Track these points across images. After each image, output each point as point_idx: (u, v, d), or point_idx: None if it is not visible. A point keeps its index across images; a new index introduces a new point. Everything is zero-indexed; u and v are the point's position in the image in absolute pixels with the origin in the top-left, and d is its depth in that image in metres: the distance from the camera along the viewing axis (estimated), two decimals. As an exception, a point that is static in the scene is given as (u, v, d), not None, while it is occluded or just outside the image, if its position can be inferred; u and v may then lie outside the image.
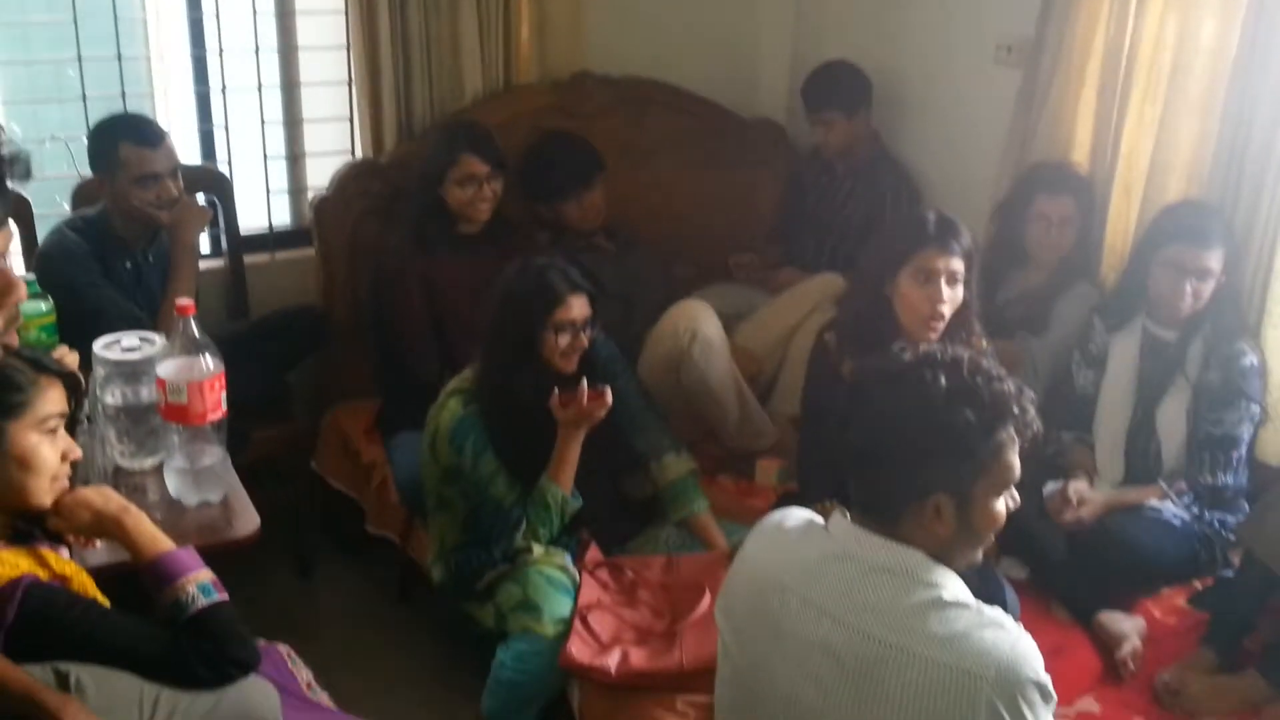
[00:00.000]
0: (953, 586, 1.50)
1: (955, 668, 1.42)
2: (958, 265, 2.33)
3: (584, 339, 2.41)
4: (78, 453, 1.77)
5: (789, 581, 1.55)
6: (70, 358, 1.98)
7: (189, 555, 1.75)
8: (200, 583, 1.70)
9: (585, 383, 2.35)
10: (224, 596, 1.72)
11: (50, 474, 1.70)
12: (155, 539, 1.74)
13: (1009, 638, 1.45)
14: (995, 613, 1.49)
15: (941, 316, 2.33)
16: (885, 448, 1.51)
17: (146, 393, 2.11)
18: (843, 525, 1.56)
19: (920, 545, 1.51)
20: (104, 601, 1.69)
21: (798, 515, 1.66)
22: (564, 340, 2.38)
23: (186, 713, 1.63)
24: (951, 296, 2.33)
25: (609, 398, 2.37)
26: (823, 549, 1.56)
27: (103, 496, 1.76)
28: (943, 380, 1.48)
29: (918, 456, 1.48)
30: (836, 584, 1.51)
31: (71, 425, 1.79)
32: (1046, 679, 1.46)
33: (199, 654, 1.65)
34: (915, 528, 1.50)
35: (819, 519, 1.65)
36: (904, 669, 1.43)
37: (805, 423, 2.64)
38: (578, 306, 2.39)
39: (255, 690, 1.75)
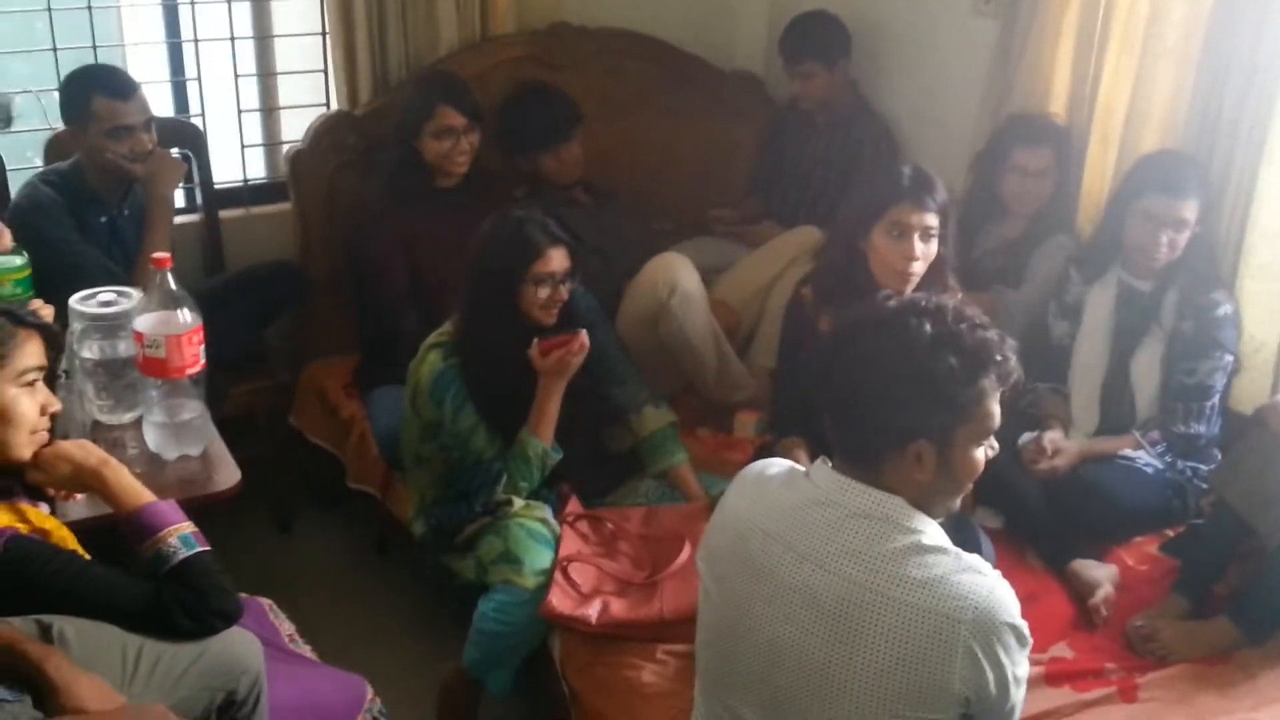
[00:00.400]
0: (932, 532, 1.52)
1: (933, 611, 1.44)
2: (932, 221, 2.34)
3: (563, 291, 2.41)
4: (57, 406, 1.77)
5: (770, 527, 1.57)
6: (45, 310, 1.97)
7: (170, 508, 1.75)
8: (182, 534, 1.70)
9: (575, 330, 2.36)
10: (206, 548, 1.73)
11: (29, 427, 1.70)
12: (136, 491, 1.74)
13: (986, 583, 1.48)
14: (973, 559, 1.51)
15: (914, 272, 2.35)
16: (868, 394, 1.52)
17: (124, 347, 2.10)
18: (824, 472, 1.57)
19: (901, 492, 1.52)
20: (85, 555, 1.70)
21: (779, 464, 1.68)
22: (544, 293, 2.38)
23: (170, 663, 1.64)
24: (925, 252, 2.35)
25: (586, 339, 2.37)
26: (804, 495, 1.57)
27: (82, 449, 1.76)
28: (927, 327, 1.49)
29: (900, 403, 1.49)
30: (818, 529, 1.53)
31: (51, 379, 1.79)
32: (1023, 624, 1.49)
33: (181, 605, 1.66)
34: (896, 475, 1.52)
35: (800, 467, 1.66)
36: (882, 612, 1.46)
37: (780, 375, 2.66)
38: (557, 259, 2.38)
39: (238, 641, 1.76)
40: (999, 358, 1.51)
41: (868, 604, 1.47)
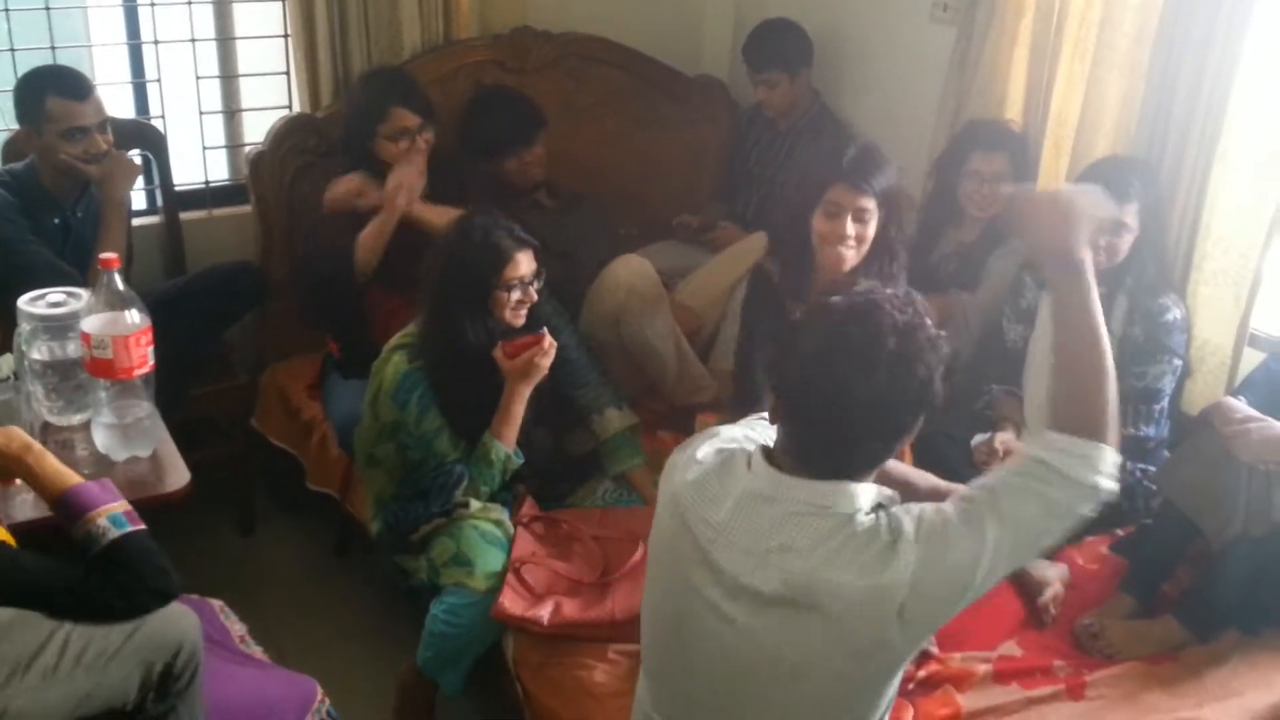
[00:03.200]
0: (867, 500, 1.53)
1: (870, 587, 1.47)
2: (866, 203, 2.35)
3: (532, 293, 2.43)
4: None
5: (710, 516, 1.57)
6: None
7: (99, 488, 1.72)
8: (111, 514, 1.67)
9: (539, 331, 2.37)
10: (138, 527, 1.69)
11: None
12: (60, 474, 1.72)
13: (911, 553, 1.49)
14: (901, 518, 1.51)
15: (846, 252, 2.37)
16: (863, 429, 1.51)
17: (73, 348, 2.09)
18: (762, 466, 1.56)
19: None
20: (10, 541, 1.68)
21: (705, 444, 1.67)
22: (515, 296, 2.40)
23: (102, 644, 1.63)
24: (859, 233, 2.36)
25: (551, 340, 2.39)
26: (745, 486, 1.56)
27: (5, 436, 1.74)
28: (894, 346, 1.48)
29: (896, 430, 1.53)
30: (759, 524, 1.54)
31: None
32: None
33: (113, 585, 1.63)
34: (870, 476, 1.56)
35: (729, 444, 1.65)
36: (821, 598, 1.48)
37: (741, 345, 2.70)
38: (525, 262, 2.40)
39: (173, 614, 1.74)
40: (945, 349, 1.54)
41: (808, 591, 1.49)
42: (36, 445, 1.75)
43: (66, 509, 1.68)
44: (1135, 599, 2.39)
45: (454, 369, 2.40)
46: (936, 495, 1.81)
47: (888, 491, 1.58)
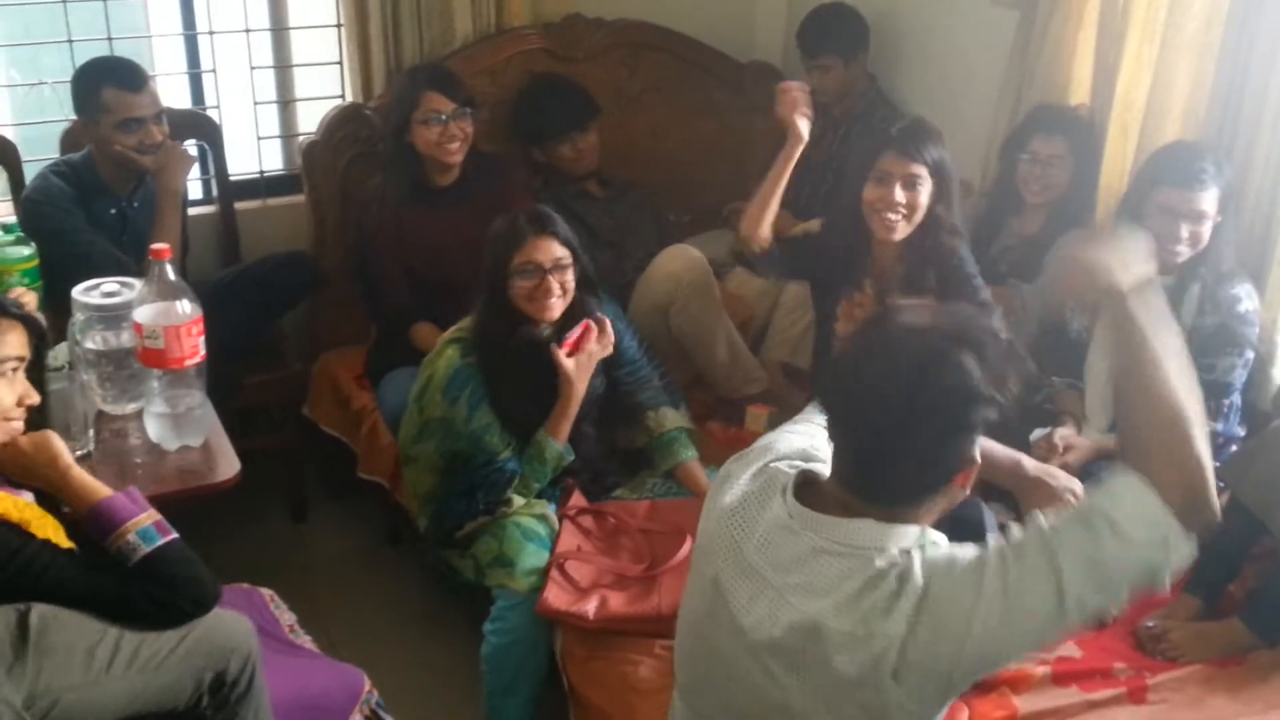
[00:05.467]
0: (893, 543, 1.42)
1: (871, 637, 1.37)
2: (916, 170, 2.39)
3: (554, 283, 2.32)
4: (35, 398, 1.75)
5: (744, 545, 1.50)
6: (28, 299, 1.97)
7: (127, 500, 1.72)
8: (141, 528, 1.67)
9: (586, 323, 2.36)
10: (170, 538, 1.69)
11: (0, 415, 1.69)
12: (87, 488, 1.72)
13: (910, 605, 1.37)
14: (914, 563, 1.40)
15: (895, 219, 2.40)
16: (911, 453, 1.39)
17: (127, 337, 2.11)
18: (792, 501, 1.48)
19: (922, 521, 1.43)
20: (68, 544, 1.69)
21: (752, 462, 1.61)
22: (528, 283, 2.32)
23: (153, 648, 1.64)
24: (910, 199, 2.39)
25: (609, 329, 2.37)
26: (775, 516, 1.49)
27: (34, 446, 1.74)
28: (959, 378, 1.36)
29: (949, 454, 1.40)
30: (782, 556, 1.45)
31: (39, 370, 1.78)
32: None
33: (149, 598, 1.64)
34: (947, 499, 1.44)
35: (777, 462, 1.58)
36: (828, 643, 1.39)
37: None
38: (543, 248, 2.31)
39: (226, 621, 1.75)
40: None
41: (817, 635, 1.39)
42: (65, 457, 1.75)
43: (96, 524, 1.69)
44: (1200, 600, 2.32)
45: (505, 365, 2.38)
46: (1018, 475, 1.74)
47: (934, 535, 1.44)
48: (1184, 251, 2.51)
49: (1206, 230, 2.50)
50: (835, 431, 1.46)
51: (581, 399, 2.39)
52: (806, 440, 1.66)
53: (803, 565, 1.43)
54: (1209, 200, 2.47)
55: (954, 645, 1.35)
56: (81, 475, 1.74)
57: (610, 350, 2.40)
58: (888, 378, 1.38)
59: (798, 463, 1.57)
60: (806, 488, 1.50)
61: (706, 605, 1.55)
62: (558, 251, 2.34)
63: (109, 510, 1.69)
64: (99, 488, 1.73)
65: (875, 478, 1.42)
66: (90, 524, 1.69)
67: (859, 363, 1.42)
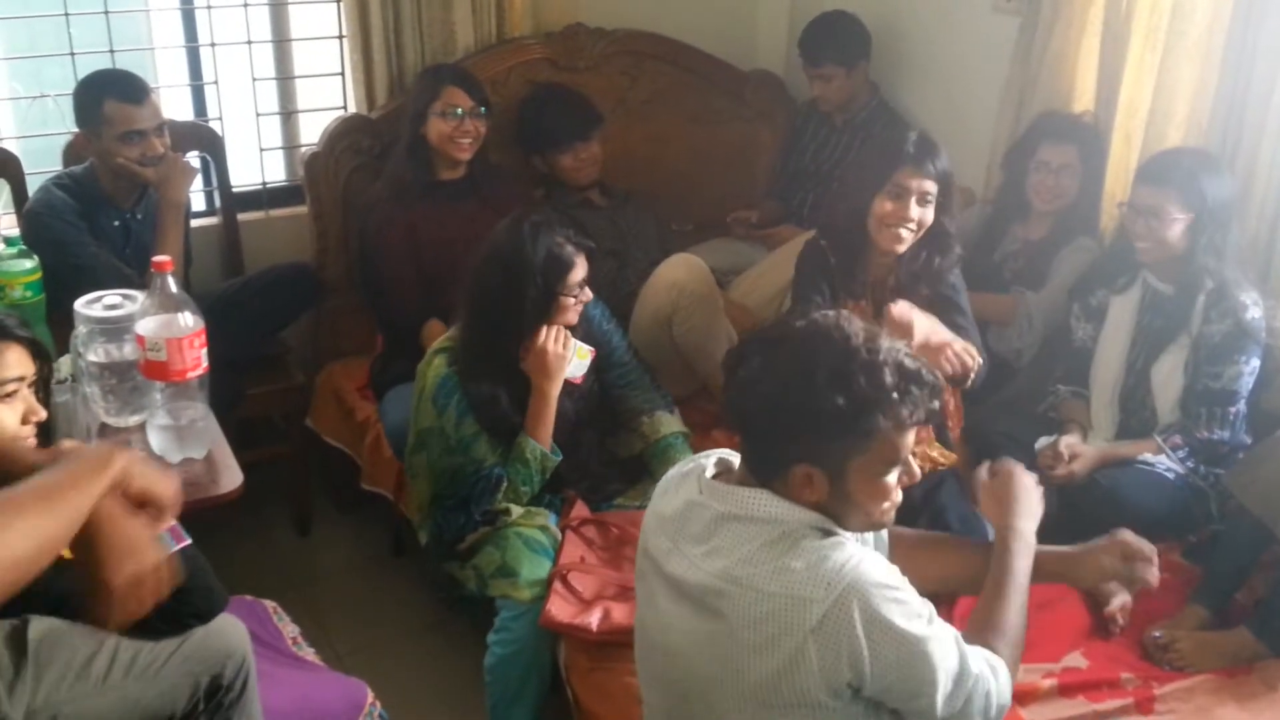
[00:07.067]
0: (794, 517, 1.50)
1: (783, 594, 1.44)
2: (929, 186, 2.40)
3: (589, 293, 2.42)
4: (41, 414, 1.74)
5: (664, 527, 1.61)
6: None
7: None
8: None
9: (545, 330, 2.35)
10: (183, 544, 1.66)
11: (8, 437, 1.68)
12: None
13: (843, 556, 1.46)
14: (835, 542, 1.49)
15: (906, 235, 2.40)
16: (756, 416, 1.52)
17: (130, 350, 2.10)
18: (707, 480, 1.59)
19: (803, 503, 1.51)
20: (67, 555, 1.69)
21: (689, 461, 1.70)
22: (572, 302, 2.38)
23: (151, 654, 1.64)
24: (920, 216, 2.40)
25: (557, 330, 2.37)
26: (687, 494, 1.59)
27: (50, 456, 1.73)
28: (823, 360, 1.46)
29: (785, 431, 1.49)
30: (692, 529, 1.56)
31: (44, 386, 1.77)
32: (897, 582, 1.48)
33: (157, 607, 1.64)
34: (790, 490, 1.51)
35: (704, 460, 1.65)
36: (738, 600, 1.47)
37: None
38: (582, 266, 2.38)
39: (222, 625, 1.74)
40: (897, 397, 1.46)
41: (726, 594, 1.48)
42: None
43: None
44: (1207, 609, 2.31)
45: (489, 376, 2.38)
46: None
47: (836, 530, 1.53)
48: (1149, 251, 2.53)
49: (1171, 230, 2.48)
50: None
51: (555, 396, 2.38)
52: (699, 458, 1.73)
53: (710, 532, 1.54)
54: (1172, 201, 2.46)
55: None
56: None
57: (564, 350, 2.39)
58: (762, 364, 1.51)
59: (722, 455, 1.67)
60: (721, 470, 1.62)
61: (645, 592, 1.65)
62: (587, 264, 2.39)
63: None
64: None
65: (744, 443, 1.57)
66: None
67: (749, 351, 1.56)
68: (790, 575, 1.45)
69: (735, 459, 1.63)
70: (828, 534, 1.51)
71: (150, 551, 1.34)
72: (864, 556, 1.48)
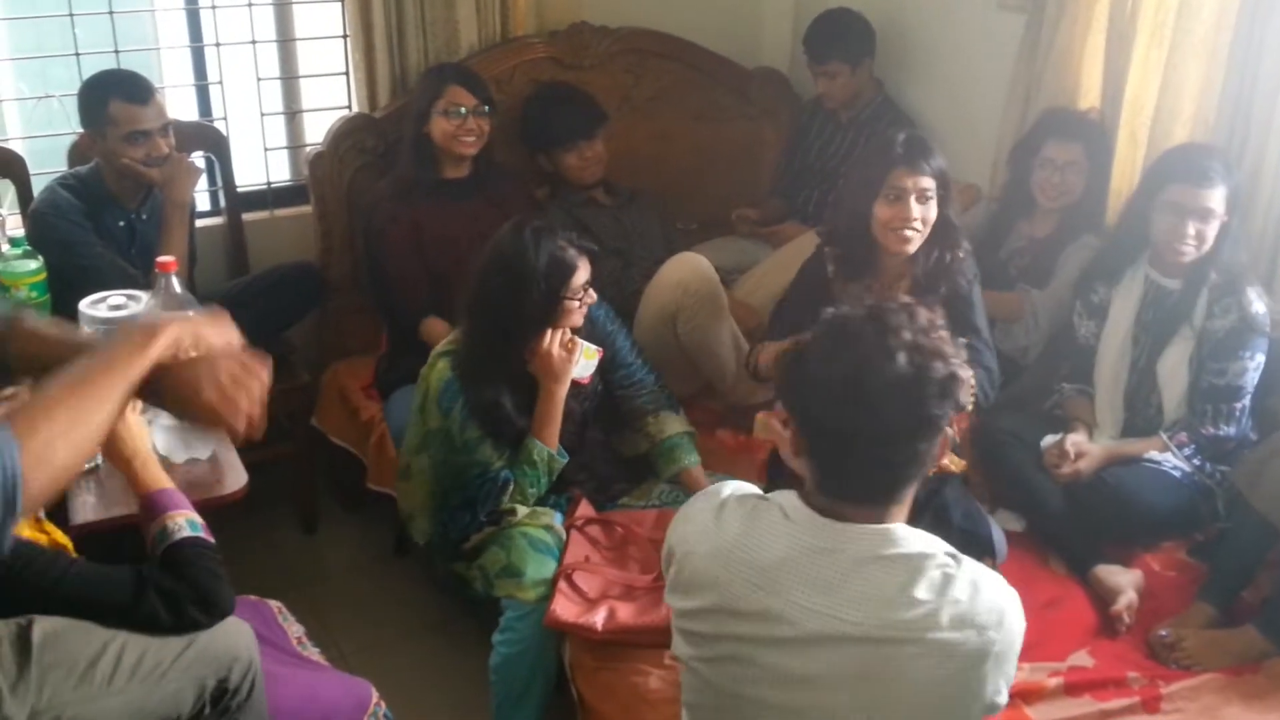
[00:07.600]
0: (921, 546, 1.45)
1: (964, 642, 1.41)
2: (927, 183, 2.39)
3: (592, 295, 2.42)
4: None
5: (760, 580, 1.46)
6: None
7: (185, 498, 1.79)
8: (189, 519, 1.74)
9: (549, 334, 2.35)
10: (209, 539, 1.74)
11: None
12: (160, 478, 1.81)
13: (1003, 597, 1.45)
14: (972, 567, 1.46)
15: (912, 234, 2.39)
16: (889, 445, 1.43)
17: (134, 350, 2.11)
18: (804, 513, 1.47)
19: (899, 517, 1.47)
20: (68, 545, 1.71)
21: (727, 498, 1.57)
22: (576, 304, 2.38)
23: (157, 656, 1.63)
24: (922, 213, 2.39)
25: (562, 334, 2.37)
26: (794, 542, 1.46)
27: (128, 430, 1.80)
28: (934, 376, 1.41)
29: (924, 445, 1.44)
30: (823, 578, 1.43)
31: None
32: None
33: (164, 597, 1.64)
34: (902, 509, 1.47)
35: (754, 492, 1.57)
36: (912, 651, 1.40)
37: (779, 313, 2.68)
38: (584, 269, 2.38)
39: (229, 629, 1.75)
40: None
41: (896, 644, 1.40)
42: (145, 450, 1.83)
43: (153, 505, 1.75)
44: (1214, 607, 2.31)
45: (492, 380, 2.37)
46: None
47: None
48: (1189, 251, 2.50)
49: (1213, 230, 2.48)
50: (805, 433, 1.47)
51: (562, 398, 2.37)
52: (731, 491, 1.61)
53: (847, 580, 1.42)
54: (1217, 198, 2.45)
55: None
56: (159, 465, 1.84)
57: (566, 353, 2.38)
58: (846, 350, 1.41)
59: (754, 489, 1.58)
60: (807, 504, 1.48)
61: (733, 652, 1.49)
62: (589, 266, 2.39)
63: (171, 496, 1.77)
64: (169, 479, 1.82)
65: (870, 475, 1.46)
66: (147, 503, 1.76)
67: (815, 348, 1.46)
68: (958, 608, 1.40)
69: (789, 494, 1.51)
70: (919, 552, 1.45)
71: (224, 363, 1.40)
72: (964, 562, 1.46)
